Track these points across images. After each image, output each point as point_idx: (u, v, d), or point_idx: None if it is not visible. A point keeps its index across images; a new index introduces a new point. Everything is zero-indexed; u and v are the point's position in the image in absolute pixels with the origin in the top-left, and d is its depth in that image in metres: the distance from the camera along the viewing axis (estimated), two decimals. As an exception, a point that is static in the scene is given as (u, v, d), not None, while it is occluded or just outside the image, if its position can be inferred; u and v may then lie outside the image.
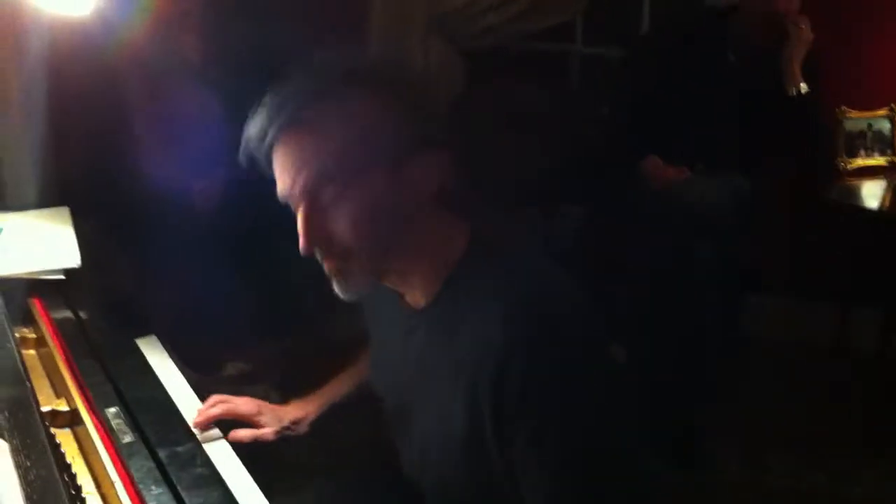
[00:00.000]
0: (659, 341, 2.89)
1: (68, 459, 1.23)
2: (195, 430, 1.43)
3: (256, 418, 1.55)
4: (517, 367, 1.14)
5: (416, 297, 1.31)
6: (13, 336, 1.40)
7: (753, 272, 3.24)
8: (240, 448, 1.43)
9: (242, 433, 1.50)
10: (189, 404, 1.50)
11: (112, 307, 1.78)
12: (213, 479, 1.20)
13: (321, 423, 1.59)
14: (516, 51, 3.50)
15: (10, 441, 1.12)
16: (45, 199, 2.41)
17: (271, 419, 1.56)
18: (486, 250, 1.26)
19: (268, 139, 1.19)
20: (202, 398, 1.54)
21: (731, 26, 2.98)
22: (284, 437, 1.56)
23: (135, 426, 1.27)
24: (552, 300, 1.21)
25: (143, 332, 1.71)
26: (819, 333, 3.42)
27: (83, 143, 3.15)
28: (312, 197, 1.18)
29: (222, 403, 1.52)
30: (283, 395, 1.70)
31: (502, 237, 1.30)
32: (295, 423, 1.58)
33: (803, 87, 2.88)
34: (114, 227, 2.86)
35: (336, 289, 1.26)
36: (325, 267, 1.24)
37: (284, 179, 1.20)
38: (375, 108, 1.19)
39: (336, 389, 1.64)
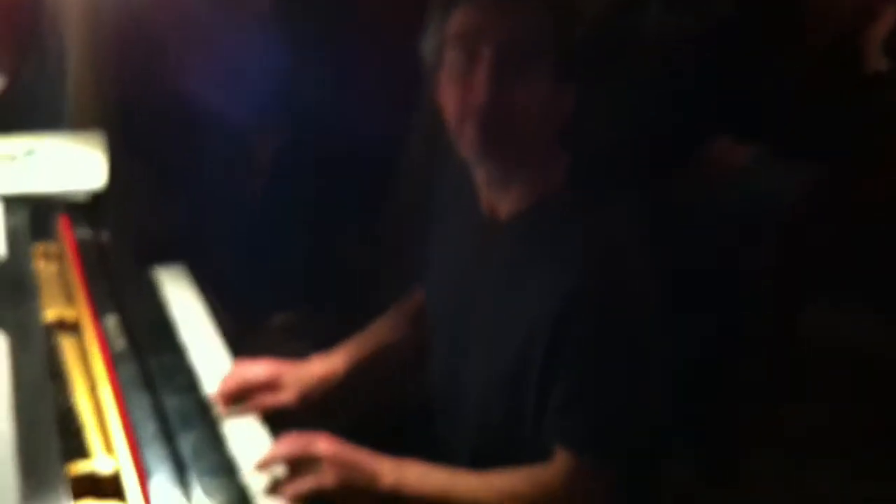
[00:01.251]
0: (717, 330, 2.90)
1: (68, 363, 1.34)
2: (216, 404, 1.39)
3: (276, 383, 1.50)
4: (581, 317, 1.24)
5: (503, 206, 1.39)
6: (30, 249, 1.51)
7: (820, 266, 3.17)
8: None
9: (263, 401, 1.45)
10: (194, 329, 1.55)
11: (139, 233, 1.86)
12: (192, 388, 1.28)
13: (349, 383, 1.57)
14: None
15: (9, 337, 1.22)
16: (90, 124, 2.54)
17: (293, 380, 1.51)
18: (578, 189, 1.35)
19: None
20: (240, 346, 1.54)
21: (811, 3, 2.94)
22: (309, 399, 1.51)
23: (129, 336, 1.35)
24: (627, 262, 1.30)
25: (168, 261, 1.78)
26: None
27: (142, 74, 3.27)
28: (503, 53, 1.26)
29: (236, 372, 1.47)
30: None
31: (595, 182, 1.38)
32: (321, 380, 1.54)
33: (884, 62, 2.82)
34: (165, 162, 2.97)
35: (462, 143, 1.33)
36: (475, 119, 1.30)
37: (484, 24, 1.28)
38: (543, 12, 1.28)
39: (364, 346, 1.62)
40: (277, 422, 1.41)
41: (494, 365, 1.38)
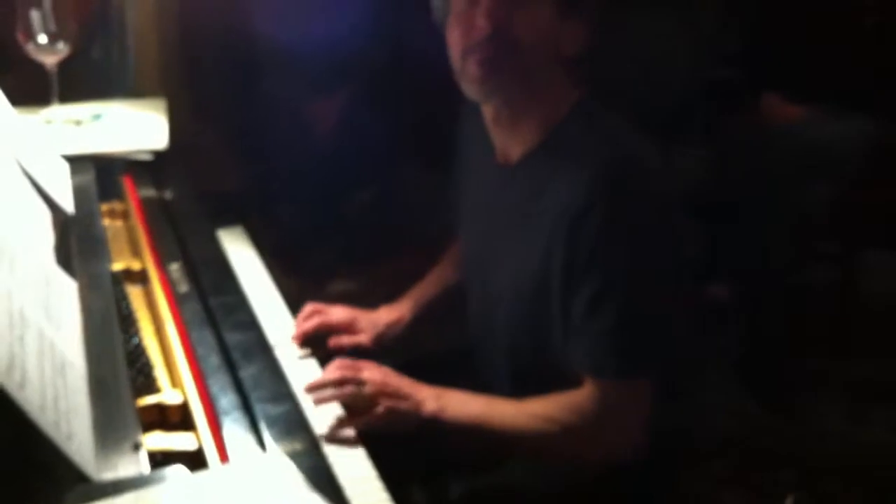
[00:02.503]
0: (766, 281, 2.88)
1: (136, 307, 1.40)
2: (293, 344, 1.46)
3: (352, 326, 1.60)
4: (592, 225, 1.28)
5: (513, 149, 1.44)
6: (96, 205, 1.58)
7: (869, 218, 3.12)
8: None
9: (343, 340, 1.55)
10: (253, 282, 1.60)
11: (203, 193, 1.91)
12: (252, 325, 1.33)
13: (415, 325, 1.66)
14: None
15: (80, 280, 1.29)
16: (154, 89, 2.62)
17: (367, 325, 1.61)
18: (584, 118, 1.39)
19: None
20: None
21: None
22: (381, 341, 1.61)
23: (191, 280, 1.41)
24: (636, 172, 1.33)
25: (229, 223, 1.83)
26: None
27: (210, 42, 3.35)
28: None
29: (317, 315, 1.54)
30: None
31: (604, 112, 1.41)
32: (390, 326, 1.64)
33: None
34: (231, 124, 3.04)
35: (466, 82, 1.40)
36: (476, 55, 1.36)
37: None
38: None
39: (425, 291, 1.71)
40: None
41: (518, 290, 1.42)
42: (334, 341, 1.51)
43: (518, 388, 1.42)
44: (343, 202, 3.51)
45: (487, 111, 1.45)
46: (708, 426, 1.68)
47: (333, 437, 1.22)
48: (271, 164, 3.20)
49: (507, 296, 1.45)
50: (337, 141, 3.34)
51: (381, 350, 1.60)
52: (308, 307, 1.54)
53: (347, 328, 1.58)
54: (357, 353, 1.51)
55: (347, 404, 1.28)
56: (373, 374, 1.32)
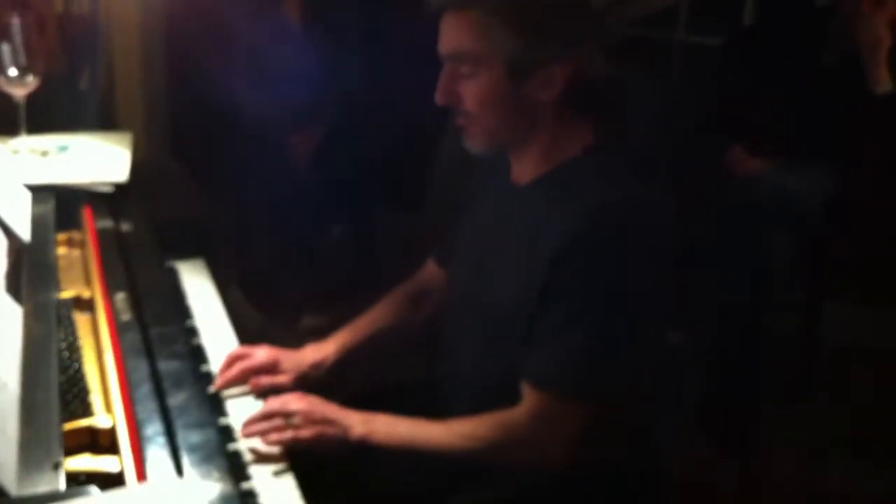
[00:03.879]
0: (725, 327, 2.95)
1: (81, 334, 1.47)
2: (217, 389, 1.49)
3: (275, 367, 1.60)
4: (573, 257, 1.37)
5: (526, 170, 1.53)
6: (52, 235, 1.66)
7: (828, 269, 3.20)
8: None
9: (263, 380, 1.54)
10: (206, 316, 1.67)
11: (168, 225, 1.97)
12: (186, 355, 1.40)
13: (339, 368, 1.69)
14: (619, 36, 3.57)
15: (25, 307, 1.36)
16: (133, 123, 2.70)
17: (290, 365, 1.62)
18: (594, 159, 1.48)
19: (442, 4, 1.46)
20: (278, 343, 1.64)
21: (829, 22, 2.97)
22: (304, 381, 1.62)
23: (136, 309, 1.48)
24: (635, 212, 1.43)
25: (191, 255, 1.90)
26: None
27: (184, 78, 3.44)
28: (455, 64, 1.44)
29: (239, 360, 1.54)
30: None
31: (616, 157, 1.51)
32: (313, 366, 1.65)
33: (888, 86, 2.85)
34: (207, 162, 3.12)
35: (463, 141, 1.51)
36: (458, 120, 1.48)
37: (443, 41, 1.46)
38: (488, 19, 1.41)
39: (355, 333, 1.74)
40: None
41: (501, 311, 1.49)
42: (254, 382, 1.53)
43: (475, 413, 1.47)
44: (314, 236, 3.59)
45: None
46: (663, 469, 1.74)
47: (260, 456, 1.30)
48: (244, 196, 3.28)
49: (490, 319, 1.52)
50: (310, 175, 3.41)
51: (307, 389, 1.60)
52: (232, 353, 1.57)
53: (270, 369, 1.59)
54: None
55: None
56: (299, 403, 1.39)
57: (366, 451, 1.40)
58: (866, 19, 2.83)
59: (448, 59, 1.46)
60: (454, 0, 1.43)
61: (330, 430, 1.38)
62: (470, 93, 1.44)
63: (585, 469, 1.42)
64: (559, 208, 1.43)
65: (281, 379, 1.59)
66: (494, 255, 1.55)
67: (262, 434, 1.35)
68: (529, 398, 1.41)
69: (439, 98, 1.46)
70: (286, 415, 1.37)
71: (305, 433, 1.35)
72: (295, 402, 1.40)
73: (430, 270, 1.81)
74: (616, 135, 1.56)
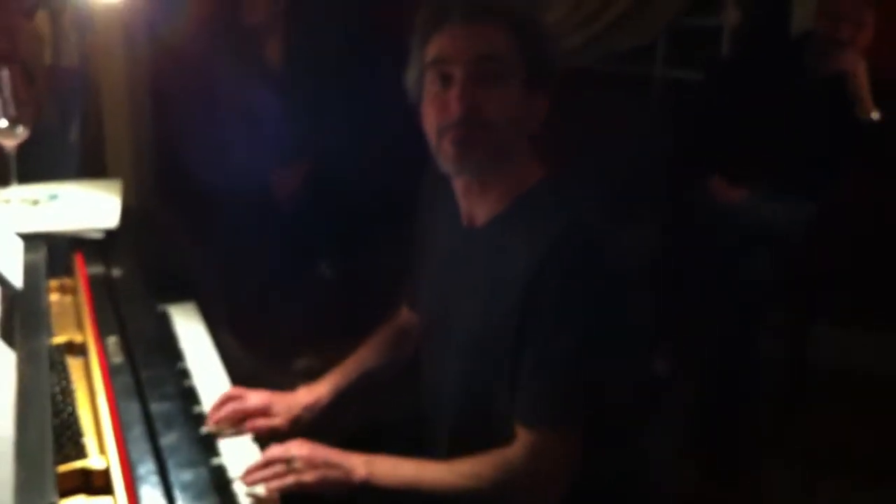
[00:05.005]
0: (708, 353, 2.98)
1: (74, 378, 1.49)
2: (210, 428, 1.49)
3: (268, 410, 1.61)
4: (545, 289, 1.40)
5: (481, 212, 1.55)
6: (43, 282, 1.68)
7: (809, 293, 3.24)
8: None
9: (258, 423, 1.57)
10: (198, 358, 1.69)
11: (154, 270, 2.00)
12: (177, 396, 1.42)
13: (332, 409, 1.71)
14: (599, 72, 3.63)
15: (19, 352, 1.38)
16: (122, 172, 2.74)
17: (283, 408, 1.64)
18: (547, 192, 1.52)
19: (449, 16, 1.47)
20: (269, 385, 1.66)
21: (805, 53, 3.03)
22: (297, 424, 1.64)
23: (127, 352, 1.50)
24: (590, 244, 1.45)
25: (182, 299, 1.92)
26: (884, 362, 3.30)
27: (173, 126, 3.49)
28: (476, 70, 1.45)
29: (232, 402, 1.55)
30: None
31: (566, 188, 1.54)
32: (306, 408, 1.67)
33: (875, 114, 2.91)
34: (185, 206, 3.15)
35: (442, 158, 1.50)
36: (450, 135, 1.47)
37: (466, 45, 1.46)
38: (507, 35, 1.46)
39: (344, 374, 1.77)
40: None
41: (474, 349, 1.52)
42: (249, 424, 1.54)
43: (457, 451, 1.49)
44: (302, 278, 3.61)
45: (459, 182, 1.56)
46: (654, 495, 1.76)
47: (256, 499, 1.32)
48: (231, 240, 3.31)
49: (464, 356, 1.54)
50: (294, 217, 3.44)
51: (305, 433, 1.62)
52: (225, 393, 1.58)
53: (263, 412, 1.61)
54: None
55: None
56: (300, 448, 1.40)
57: (366, 491, 1.41)
58: (847, 47, 2.88)
59: (468, 65, 1.45)
60: (477, 12, 1.47)
61: (333, 474, 1.39)
62: (496, 100, 1.45)
63: (582, 495, 1.44)
64: (522, 245, 1.45)
65: (275, 421, 1.61)
66: (458, 297, 1.57)
67: (265, 481, 1.35)
68: (523, 436, 1.44)
69: (458, 106, 1.45)
70: (287, 461, 1.38)
71: (308, 478, 1.36)
72: (296, 447, 1.40)
73: (404, 312, 1.85)
74: (568, 167, 1.60)
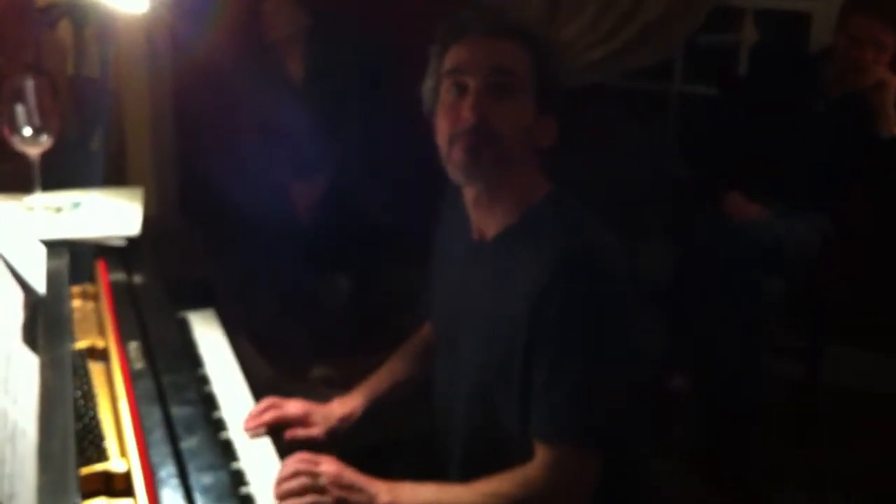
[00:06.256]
0: (725, 371, 2.98)
1: (96, 383, 1.51)
2: (245, 433, 1.53)
3: (307, 420, 1.66)
4: (553, 305, 1.41)
5: (490, 225, 1.57)
6: (66, 288, 1.70)
7: (824, 311, 3.23)
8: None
9: (298, 432, 1.62)
10: (217, 365, 1.71)
11: (174, 278, 2.02)
12: (198, 401, 1.44)
13: (368, 419, 1.74)
14: (615, 88, 3.63)
15: (42, 357, 1.40)
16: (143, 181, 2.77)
17: (321, 419, 1.68)
18: (554, 207, 1.54)
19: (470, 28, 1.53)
20: (281, 395, 1.67)
21: (823, 70, 3.03)
22: (334, 434, 1.68)
23: (148, 357, 1.52)
24: (597, 260, 1.46)
25: (202, 306, 1.94)
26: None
27: (194, 138, 3.53)
28: (489, 81, 1.49)
29: (273, 409, 1.60)
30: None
31: (572, 203, 1.56)
32: (342, 419, 1.71)
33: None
34: (206, 218, 3.18)
35: (451, 166, 1.53)
36: (460, 142, 1.50)
37: (482, 56, 1.51)
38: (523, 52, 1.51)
39: (377, 386, 1.80)
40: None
41: (485, 364, 1.53)
42: (289, 434, 1.59)
43: (468, 472, 1.50)
44: (319, 289, 3.63)
45: (468, 192, 1.58)
46: None
47: None
48: (250, 251, 3.33)
49: (474, 370, 1.56)
50: (312, 230, 3.47)
51: (335, 442, 1.67)
52: (265, 401, 1.61)
53: (302, 422, 1.65)
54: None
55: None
56: (329, 466, 1.41)
57: None
58: (870, 66, 2.88)
59: (484, 76, 1.49)
60: (497, 27, 1.52)
61: (355, 497, 1.40)
62: (507, 112, 1.49)
63: None
64: (530, 261, 1.47)
65: (313, 431, 1.65)
66: (468, 311, 1.58)
67: (291, 495, 1.36)
68: (541, 452, 1.44)
69: (470, 115, 1.48)
70: (314, 475, 1.39)
71: (329, 498, 1.38)
72: (325, 464, 1.42)
73: (428, 325, 1.86)
74: (580, 182, 1.62)
